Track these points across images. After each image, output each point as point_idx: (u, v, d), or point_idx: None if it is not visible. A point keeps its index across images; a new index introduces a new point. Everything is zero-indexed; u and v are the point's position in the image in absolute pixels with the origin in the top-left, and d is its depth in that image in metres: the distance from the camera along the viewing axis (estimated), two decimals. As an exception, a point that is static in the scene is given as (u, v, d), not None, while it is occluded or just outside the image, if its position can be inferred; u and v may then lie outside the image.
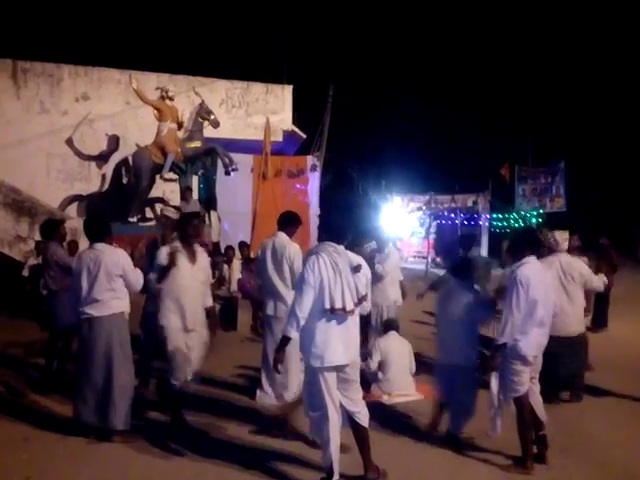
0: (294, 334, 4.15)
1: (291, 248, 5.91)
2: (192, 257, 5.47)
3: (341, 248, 4.30)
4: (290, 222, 6.04)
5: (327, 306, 4.12)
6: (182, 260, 5.39)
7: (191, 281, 5.43)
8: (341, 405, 4.26)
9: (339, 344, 4.17)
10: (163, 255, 5.40)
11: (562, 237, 7.20)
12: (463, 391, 5.12)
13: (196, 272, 5.48)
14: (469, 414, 5.17)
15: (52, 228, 6.89)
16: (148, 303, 6.34)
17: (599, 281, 6.45)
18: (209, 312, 5.66)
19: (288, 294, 5.91)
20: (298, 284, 4.22)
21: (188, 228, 5.58)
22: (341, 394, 4.26)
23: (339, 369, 4.22)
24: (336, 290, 4.13)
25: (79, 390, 5.11)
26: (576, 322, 6.30)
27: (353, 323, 4.27)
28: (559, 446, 5.03)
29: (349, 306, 4.16)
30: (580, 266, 6.37)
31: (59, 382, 6.45)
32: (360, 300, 4.26)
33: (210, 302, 5.71)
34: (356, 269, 4.24)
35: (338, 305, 4.12)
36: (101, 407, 5.01)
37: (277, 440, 5.13)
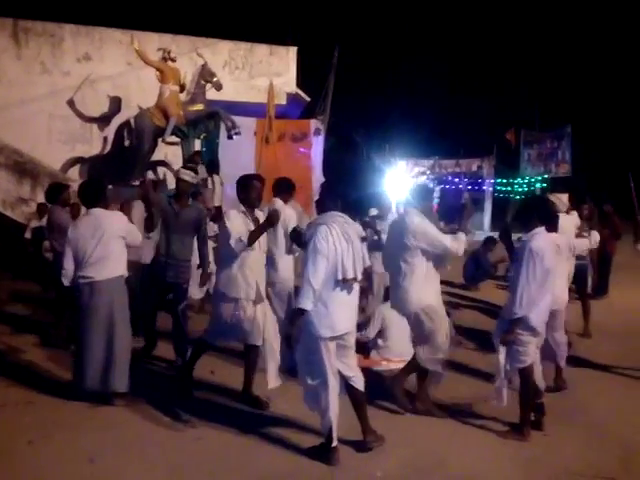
0: (309, 306, 4.07)
1: (286, 213, 5.93)
2: (257, 224, 5.13)
3: (348, 218, 4.32)
4: (284, 189, 6.20)
5: (340, 277, 4.16)
6: (251, 227, 5.08)
7: (259, 251, 5.21)
8: (338, 372, 4.31)
9: (346, 313, 4.26)
10: (239, 221, 5.06)
11: (562, 199, 7.13)
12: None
13: (261, 240, 5.20)
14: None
15: (57, 192, 6.97)
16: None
17: (582, 245, 6.43)
18: None
19: (281, 260, 5.97)
20: (311, 255, 4.16)
21: (252, 191, 5.20)
22: (338, 360, 4.30)
23: (340, 336, 4.26)
24: (348, 260, 4.17)
25: (80, 355, 5.17)
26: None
27: (355, 291, 4.35)
28: (555, 413, 5.09)
29: (359, 276, 4.26)
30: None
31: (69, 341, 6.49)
32: (365, 270, 4.35)
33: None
34: (364, 239, 4.35)
35: (350, 275, 4.17)
36: (102, 371, 5.07)
37: (277, 406, 5.20)
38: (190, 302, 8.83)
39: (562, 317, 5.82)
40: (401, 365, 6.24)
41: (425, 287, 5.03)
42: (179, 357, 6.04)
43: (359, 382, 4.39)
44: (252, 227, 5.07)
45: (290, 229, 5.77)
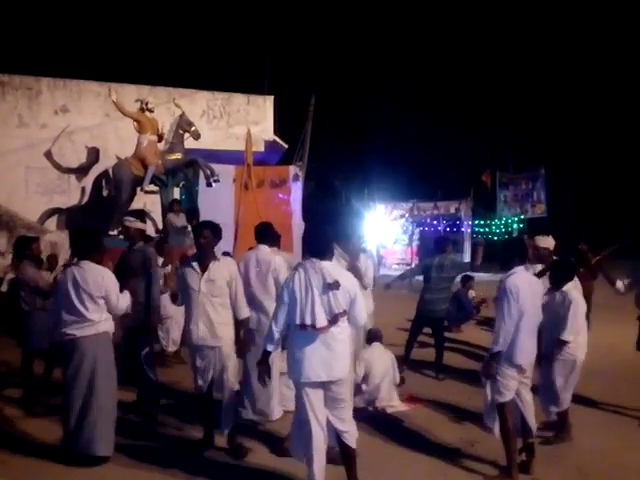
0: (270, 347, 4.32)
1: (276, 261, 5.89)
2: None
3: (321, 264, 4.20)
4: (267, 233, 6.11)
5: (297, 322, 4.17)
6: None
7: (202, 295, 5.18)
8: (329, 422, 4.21)
9: (316, 361, 4.12)
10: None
11: (546, 242, 7.04)
12: None
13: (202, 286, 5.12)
14: None
15: (24, 246, 6.62)
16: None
17: None
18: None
19: (271, 307, 5.85)
20: (276, 299, 4.36)
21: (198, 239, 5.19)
22: (330, 412, 4.21)
23: (325, 386, 4.17)
24: (307, 307, 4.14)
25: (64, 415, 4.98)
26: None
27: (334, 340, 4.17)
28: (544, 455, 5.03)
29: (320, 323, 4.11)
30: None
31: (40, 403, 6.33)
32: (336, 317, 4.17)
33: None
34: (331, 286, 4.13)
35: (308, 322, 4.13)
36: (84, 432, 4.85)
37: (264, 457, 5.07)
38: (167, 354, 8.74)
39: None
40: (389, 410, 6.19)
41: None
42: (147, 405, 6.00)
43: (351, 439, 4.27)
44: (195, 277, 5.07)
45: (281, 276, 5.71)
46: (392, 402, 6.38)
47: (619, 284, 6.29)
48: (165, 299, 7.92)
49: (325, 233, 4.50)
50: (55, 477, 4.74)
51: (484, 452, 5.06)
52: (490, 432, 4.92)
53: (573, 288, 5.67)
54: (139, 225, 6.29)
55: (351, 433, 4.27)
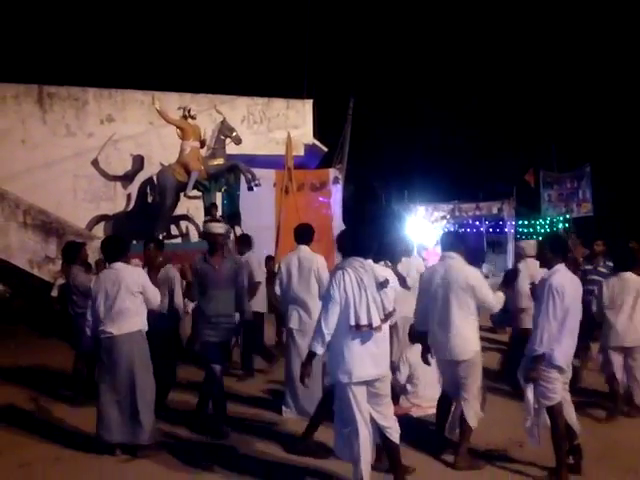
0: (320, 350, 4.17)
1: (319, 260, 5.96)
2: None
3: (368, 263, 4.24)
4: (308, 234, 6.16)
5: (352, 323, 4.10)
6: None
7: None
8: (372, 420, 4.22)
9: (367, 359, 4.14)
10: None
11: (530, 244, 7.39)
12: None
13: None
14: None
15: (73, 251, 7.04)
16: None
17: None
18: None
19: (315, 306, 5.90)
20: (324, 300, 4.22)
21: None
22: (372, 408, 4.21)
23: (369, 384, 4.18)
24: (361, 306, 4.11)
25: (102, 410, 5.15)
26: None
27: (382, 338, 4.22)
28: (594, 456, 4.93)
29: (375, 322, 4.12)
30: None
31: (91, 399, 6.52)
32: (387, 316, 4.21)
33: None
34: (382, 284, 4.17)
35: (364, 322, 4.10)
36: (126, 424, 5.08)
37: (304, 456, 5.11)
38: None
39: None
40: (433, 411, 6.13)
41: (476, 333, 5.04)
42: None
43: (394, 434, 4.27)
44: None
45: (324, 276, 5.81)
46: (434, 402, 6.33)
47: None
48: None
49: (368, 233, 4.49)
50: (104, 470, 4.89)
51: (532, 454, 4.97)
52: (530, 439, 4.80)
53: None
54: (222, 230, 6.02)
55: (394, 428, 4.28)
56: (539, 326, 4.64)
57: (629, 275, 6.42)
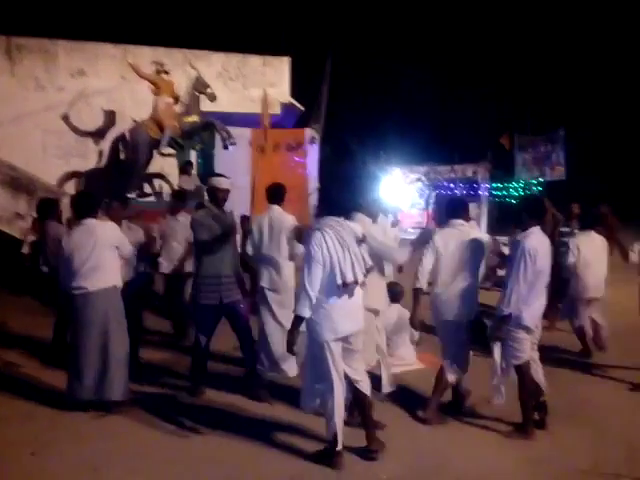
0: (307, 312, 4.10)
1: (288, 219, 5.94)
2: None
3: (344, 221, 4.26)
4: (279, 194, 6.09)
5: (339, 281, 4.11)
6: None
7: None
8: (345, 375, 4.28)
9: (348, 314, 4.21)
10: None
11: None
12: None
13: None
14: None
15: (49, 207, 6.97)
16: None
17: None
18: None
19: (285, 266, 5.94)
20: (306, 262, 4.17)
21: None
22: (345, 364, 4.28)
23: (344, 339, 4.24)
24: (346, 264, 4.13)
25: (74, 366, 5.15)
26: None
27: (358, 292, 4.29)
28: (558, 412, 5.10)
29: (360, 278, 4.18)
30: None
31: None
32: (368, 270, 4.27)
33: None
34: (361, 240, 4.23)
35: (350, 279, 4.12)
36: (99, 381, 5.08)
37: (280, 411, 5.20)
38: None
39: (599, 305, 7.01)
40: (402, 369, 6.26)
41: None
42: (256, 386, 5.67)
43: (366, 387, 4.36)
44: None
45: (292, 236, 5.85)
46: (408, 360, 6.47)
47: (632, 256, 6.36)
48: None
49: (343, 192, 4.50)
50: (78, 426, 4.91)
51: (499, 410, 5.11)
52: (496, 396, 4.93)
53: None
54: (229, 186, 5.73)
55: (366, 381, 4.37)
56: (508, 287, 4.71)
57: (592, 233, 7.07)
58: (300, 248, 6.09)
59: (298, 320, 4.15)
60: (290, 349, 4.21)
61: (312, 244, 4.16)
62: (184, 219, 7.36)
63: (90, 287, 5.07)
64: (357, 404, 4.40)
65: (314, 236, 4.18)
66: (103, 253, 5.11)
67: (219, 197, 5.61)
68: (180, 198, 8.23)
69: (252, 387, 5.62)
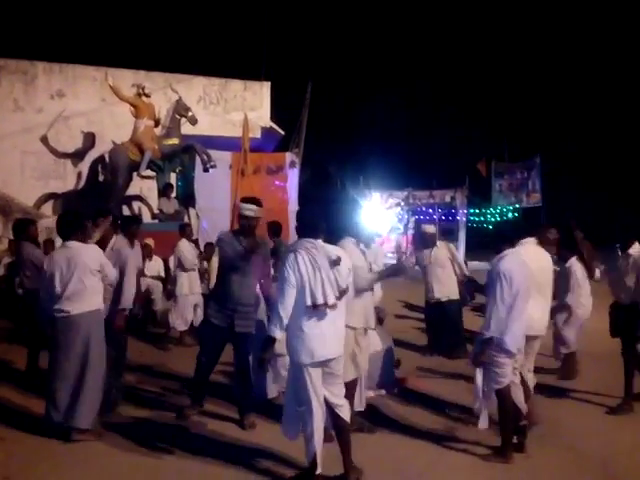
0: (278, 334, 4.11)
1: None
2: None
3: (319, 242, 4.26)
4: (279, 230, 6.37)
5: (309, 303, 4.11)
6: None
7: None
8: (325, 400, 4.25)
9: (326, 339, 4.16)
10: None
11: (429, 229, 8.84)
12: None
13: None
14: None
15: (23, 228, 6.85)
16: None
17: None
18: None
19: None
20: (279, 284, 4.20)
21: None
22: (325, 388, 4.24)
23: (324, 364, 4.20)
24: (317, 286, 4.12)
25: (51, 389, 5.04)
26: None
27: (338, 316, 4.25)
28: (536, 435, 5.10)
29: (330, 300, 4.14)
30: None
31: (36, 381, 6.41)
32: (341, 293, 4.24)
33: None
34: (335, 262, 4.19)
35: (320, 301, 4.11)
36: (69, 405, 4.95)
37: (260, 434, 5.15)
38: (172, 334, 8.80)
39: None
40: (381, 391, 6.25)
41: None
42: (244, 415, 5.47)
43: (345, 412, 4.31)
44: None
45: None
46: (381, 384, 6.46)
47: (597, 272, 6.62)
48: (183, 278, 8.51)
49: (316, 213, 4.49)
50: (52, 450, 4.79)
51: (478, 433, 5.11)
52: (479, 421, 4.93)
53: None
54: (260, 214, 5.52)
55: (346, 407, 4.33)
56: (488, 310, 4.75)
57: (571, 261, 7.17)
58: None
59: (269, 340, 4.16)
60: (261, 366, 4.32)
61: (286, 266, 4.18)
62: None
63: (72, 310, 4.97)
64: (336, 429, 4.35)
65: (288, 258, 4.21)
66: (85, 277, 4.99)
67: (243, 224, 5.46)
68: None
69: (240, 412, 5.51)
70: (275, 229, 7.82)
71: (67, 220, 5.31)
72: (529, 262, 4.93)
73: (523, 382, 5.14)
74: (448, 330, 8.11)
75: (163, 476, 4.40)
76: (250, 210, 5.40)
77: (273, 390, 6.08)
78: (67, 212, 5.92)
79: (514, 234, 5.14)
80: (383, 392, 6.36)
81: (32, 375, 6.54)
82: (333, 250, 4.31)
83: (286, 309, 4.10)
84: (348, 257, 4.41)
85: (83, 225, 5.32)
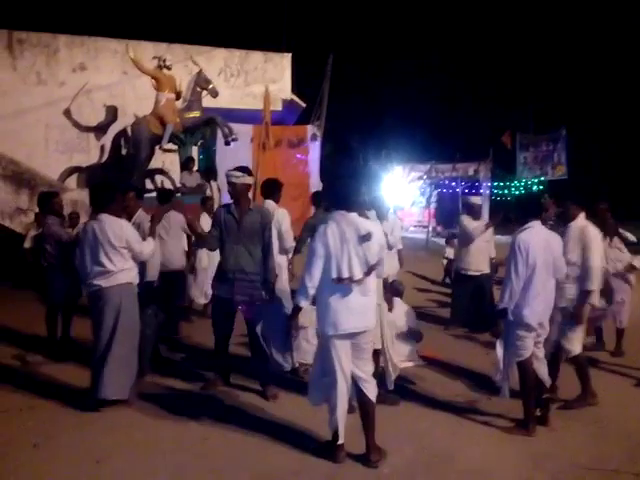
0: (304, 303, 4.20)
1: (278, 212, 5.96)
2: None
3: (351, 216, 4.19)
4: (273, 189, 6.18)
5: (334, 276, 4.09)
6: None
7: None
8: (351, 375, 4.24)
9: (352, 312, 4.13)
10: None
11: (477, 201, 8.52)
12: None
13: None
14: None
15: (47, 200, 6.84)
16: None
17: None
18: None
19: (277, 260, 5.92)
20: (308, 254, 4.20)
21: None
22: (353, 363, 4.23)
23: (352, 337, 4.18)
24: (343, 260, 4.10)
25: (93, 363, 5.11)
26: None
27: (367, 291, 4.19)
28: (561, 408, 5.09)
29: (357, 275, 4.11)
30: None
31: (64, 353, 6.53)
32: (370, 269, 4.20)
33: None
34: (365, 237, 4.12)
35: (345, 275, 4.09)
36: (98, 376, 5.00)
37: (283, 405, 5.22)
38: (195, 307, 8.89)
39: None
40: (403, 365, 6.27)
41: None
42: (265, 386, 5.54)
43: (371, 390, 4.27)
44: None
45: (284, 227, 5.89)
46: (409, 357, 6.47)
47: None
48: (202, 252, 8.39)
49: (355, 187, 4.42)
50: (80, 418, 4.91)
51: (501, 406, 5.12)
52: (500, 392, 4.94)
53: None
54: (247, 180, 5.46)
55: (372, 385, 4.30)
56: (504, 282, 4.75)
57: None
58: (291, 242, 6.16)
59: (296, 309, 4.28)
60: (288, 336, 4.33)
61: (314, 237, 4.19)
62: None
63: (104, 284, 4.99)
64: (360, 406, 4.32)
65: (318, 230, 4.20)
66: (111, 252, 4.98)
67: (229, 191, 5.46)
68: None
69: (261, 384, 5.56)
70: (266, 190, 6.43)
71: (101, 192, 5.28)
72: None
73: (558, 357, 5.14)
74: (482, 303, 7.98)
75: (185, 446, 4.47)
76: (234, 176, 5.35)
77: (290, 362, 6.04)
78: (101, 184, 5.90)
79: (538, 208, 5.03)
80: (411, 364, 6.39)
81: (53, 348, 6.67)
82: (366, 225, 4.21)
83: (312, 279, 4.12)
84: (381, 233, 4.35)
85: (116, 198, 5.27)
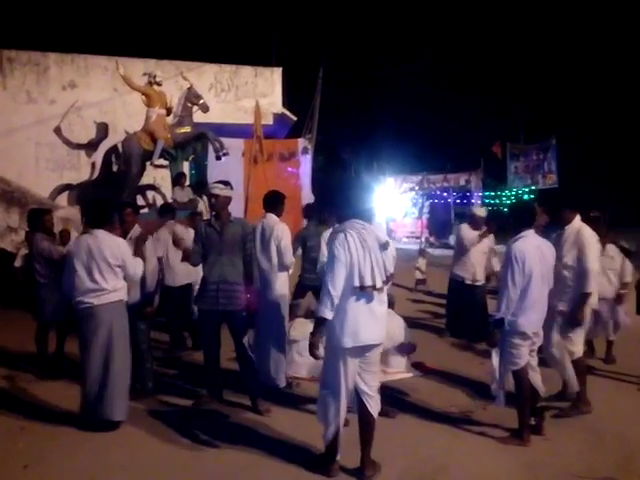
0: (329, 314, 3.94)
1: (279, 227, 5.93)
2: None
3: (369, 225, 4.15)
4: (276, 202, 6.08)
5: (356, 284, 3.99)
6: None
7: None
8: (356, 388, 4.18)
9: (372, 321, 4.04)
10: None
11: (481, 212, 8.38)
12: None
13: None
14: None
15: (36, 218, 6.77)
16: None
17: None
18: None
19: (275, 277, 5.92)
20: (329, 263, 4.04)
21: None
22: (360, 377, 4.15)
23: (368, 349, 4.08)
24: (366, 267, 4.01)
25: (83, 383, 5.05)
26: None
27: (381, 301, 4.14)
28: (554, 417, 5.08)
29: (378, 283, 4.06)
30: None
31: (55, 371, 6.47)
32: (388, 278, 4.18)
33: None
34: (384, 246, 4.11)
35: (368, 283, 4.00)
36: (98, 398, 4.94)
37: (277, 419, 5.18)
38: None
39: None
40: (395, 377, 6.24)
41: None
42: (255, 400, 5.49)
43: (374, 406, 4.18)
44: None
45: (283, 243, 5.84)
46: (399, 368, 6.45)
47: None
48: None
49: (363, 195, 4.38)
50: (71, 440, 4.84)
51: (495, 416, 5.10)
52: (495, 401, 4.94)
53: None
54: (229, 193, 5.49)
55: (376, 401, 4.21)
56: (500, 291, 4.75)
57: None
58: (291, 259, 6.08)
59: (320, 322, 4.00)
60: (312, 352, 4.03)
61: (335, 245, 4.04)
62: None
63: (95, 302, 4.93)
64: (361, 421, 4.23)
65: (337, 237, 4.07)
66: (106, 270, 4.93)
67: (214, 204, 5.45)
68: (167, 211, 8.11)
69: (251, 399, 5.50)
70: (268, 203, 6.25)
71: (97, 209, 5.23)
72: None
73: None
74: (475, 313, 7.97)
75: (181, 462, 4.43)
76: (217, 188, 5.38)
77: (283, 379, 6.02)
78: (97, 200, 5.83)
79: (531, 217, 5.03)
80: (407, 375, 6.37)
81: (43, 368, 6.62)
82: (383, 234, 4.20)
83: (337, 288, 3.94)
84: (393, 244, 4.34)
85: (112, 216, 5.25)
